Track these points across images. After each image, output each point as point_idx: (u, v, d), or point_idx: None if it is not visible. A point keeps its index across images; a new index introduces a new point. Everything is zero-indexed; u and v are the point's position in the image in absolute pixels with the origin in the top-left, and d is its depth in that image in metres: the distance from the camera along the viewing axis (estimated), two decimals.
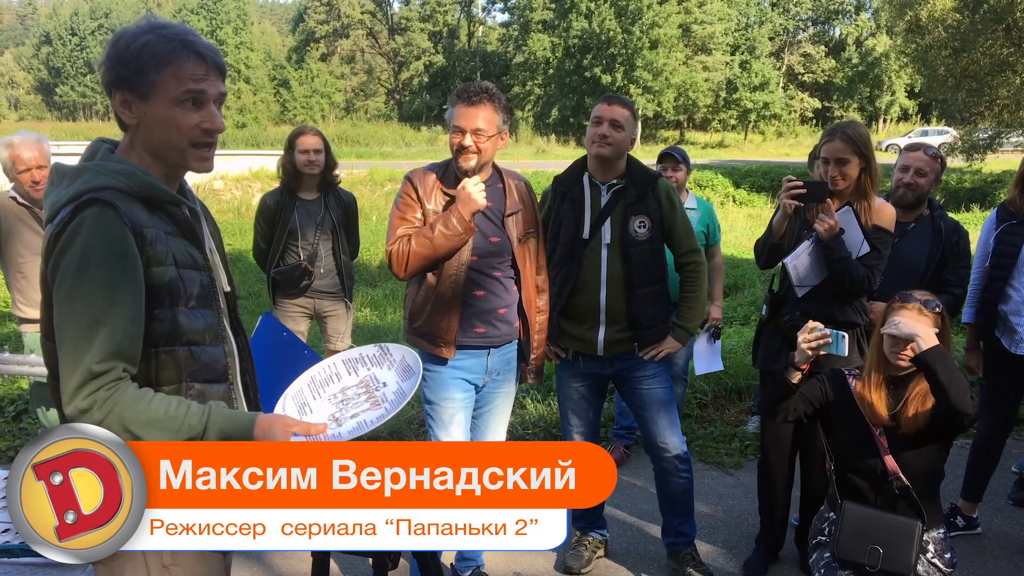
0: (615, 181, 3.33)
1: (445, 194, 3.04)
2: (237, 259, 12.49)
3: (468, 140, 2.92)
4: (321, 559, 1.88)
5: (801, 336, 2.82)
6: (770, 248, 3.40)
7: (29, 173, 3.74)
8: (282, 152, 4.64)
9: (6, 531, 3.19)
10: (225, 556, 1.88)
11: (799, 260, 3.31)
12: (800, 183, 3.22)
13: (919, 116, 49.98)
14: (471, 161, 2.96)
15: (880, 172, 3.30)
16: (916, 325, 2.70)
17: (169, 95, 1.65)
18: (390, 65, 62.14)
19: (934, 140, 33.04)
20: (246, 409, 1.89)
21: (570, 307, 3.38)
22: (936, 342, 2.66)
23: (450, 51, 58.66)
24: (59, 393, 1.67)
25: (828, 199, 3.22)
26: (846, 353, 2.78)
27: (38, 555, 3.01)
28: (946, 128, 35.00)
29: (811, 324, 2.85)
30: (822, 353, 2.83)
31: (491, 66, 56.91)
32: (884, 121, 51.11)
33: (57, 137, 40.08)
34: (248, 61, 59.56)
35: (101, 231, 1.58)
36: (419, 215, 3.03)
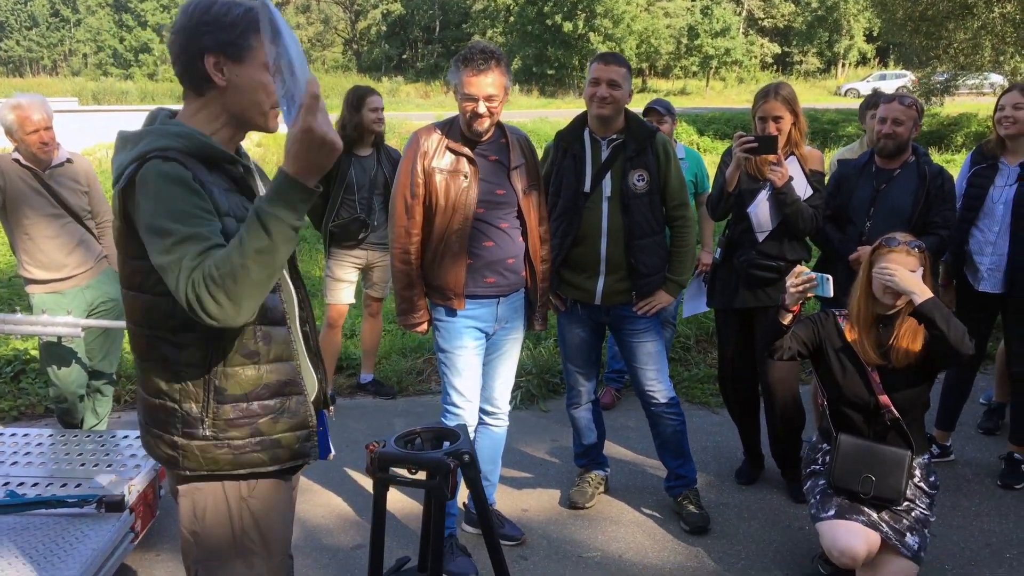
0: (615, 136, 3.45)
1: (450, 151, 3.14)
2: None
3: (482, 107, 3.03)
4: (381, 493, 2.03)
5: (789, 280, 3.00)
6: (725, 199, 3.74)
7: (38, 134, 3.75)
8: (341, 111, 4.83)
9: (36, 484, 3.31)
10: (293, 488, 2.02)
11: (759, 208, 3.69)
12: (751, 137, 3.57)
13: (877, 60, 50.39)
14: (485, 124, 3.08)
15: (807, 124, 3.80)
16: (909, 278, 2.88)
17: (260, 59, 1.76)
18: (347, 14, 60.83)
19: (892, 84, 33.44)
20: (307, 355, 2.01)
21: (571, 257, 3.53)
22: (930, 294, 2.86)
23: None
24: (141, 340, 1.80)
25: (776, 151, 3.56)
26: (831, 294, 2.97)
27: (73, 506, 3.14)
28: (904, 72, 35.41)
29: (798, 268, 3.04)
30: (809, 295, 3.02)
31: (450, 14, 55.98)
32: (843, 66, 51.46)
33: (7, 93, 38.85)
34: None
35: (171, 174, 1.67)
36: (420, 170, 3.14)
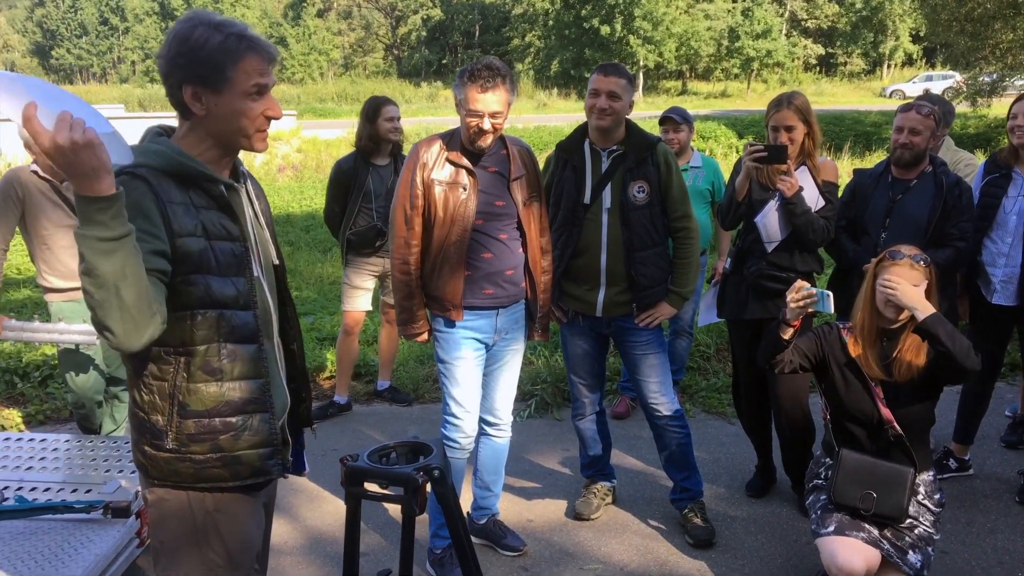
0: (615, 147, 3.44)
1: (450, 162, 3.16)
2: None
3: (487, 124, 3.04)
4: (353, 508, 2.04)
5: (789, 295, 2.96)
6: (734, 209, 3.71)
7: None
8: (358, 121, 4.93)
9: (48, 490, 3.39)
10: (265, 505, 2.05)
11: (767, 219, 3.66)
12: (761, 147, 3.56)
13: (924, 61, 49.39)
14: (488, 140, 3.10)
15: (821, 135, 3.72)
16: (911, 293, 2.83)
17: (240, 89, 1.80)
18: (387, 20, 61.40)
19: (939, 85, 32.77)
20: (283, 374, 2.04)
21: (572, 269, 3.52)
22: (932, 309, 2.80)
23: (448, 4, 57.83)
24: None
25: (786, 161, 3.54)
26: (831, 310, 2.94)
27: (80, 511, 3.21)
28: (951, 73, 34.65)
29: (798, 283, 3.00)
30: (810, 311, 2.98)
31: (490, 18, 56.23)
32: (888, 67, 50.55)
33: None
34: (244, 19, 58.85)
35: (127, 192, 1.67)
36: (419, 181, 3.16)
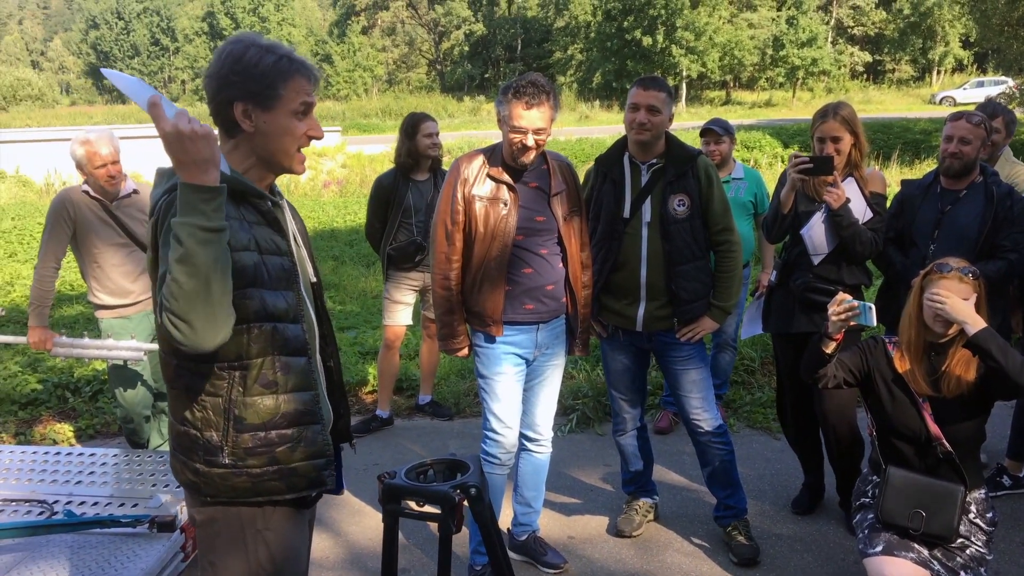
0: (655, 161, 3.41)
1: (491, 178, 3.17)
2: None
3: (531, 140, 3.05)
4: (390, 525, 2.05)
5: (830, 308, 2.90)
6: (780, 221, 3.65)
7: (105, 168, 3.96)
8: (397, 137, 5.00)
9: (96, 504, 3.46)
10: (309, 521, 2.07)
11: (813, 231, 3.60)
12: (806, 158, 3.49)
13: (975, 66, 48.39)
14: (532, 156, 3.11)
15: (868, 145, 3.65)
16: (961, 307, 2.75)
17: (289, 107, 1.86)
18: (431, 35, 61.99)
19: (991, 91, 32.01)
20: (326, 391, 2.06)
21: (611, 283, 3.50)
22: (983, 324, 2.72)
23: (490, 19, 58.26)
24: (169, 369, 1.88)
25: (832, 172, 3.48)
26: (874, 323, 2.87)
27: (127, 525, 3.27)
28: (1003, 78, 33.89)
29: (840, 296, 2.92)
30: (852, 324, 2.91)
31: (532, 32, 56.45)
32: (938, 73, 49.59)
33: (109, 121, 40.94)
34: (291, 37, 59.95)
35: None
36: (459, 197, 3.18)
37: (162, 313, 1.65)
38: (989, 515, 2.94)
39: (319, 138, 1.94)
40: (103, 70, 1.82)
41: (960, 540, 2.85)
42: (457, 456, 2.11)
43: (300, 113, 1.88)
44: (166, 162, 1.76)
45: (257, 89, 1.83)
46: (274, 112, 1.86)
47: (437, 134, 4.93)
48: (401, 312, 5.05)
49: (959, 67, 49.57)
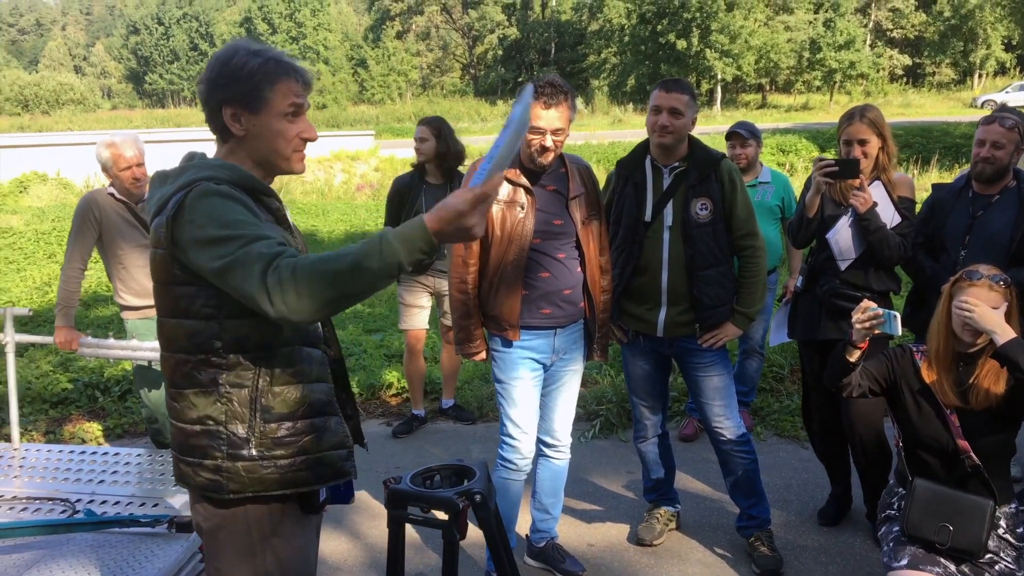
0: (677, 164, 3.37)
1: (508, 181, 3.14)
2: (318, 240, 12.91)
3: (549, 141, 3.04)
4: (396, 531, 2.03)
5: (855, 316, 2.83)
6: (805, 226, 3.59)
7: (130, 171, 4.01)
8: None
9: (117, 503, 3.49)
10: (316, 528, 2.06)
11: (840, 235, 3.54)
12: (832, 161, 3.43)
13: (1017, 70, 47.40)
14: (550, 158, 3.09)
15: (896, 148, 3.58)
16: (990, 316, 2.67)
17: (277, 109, 1.87)
18: (464, 40, 62.24)
19: None
20: (339, 409, 2.04)
21: (632, 288, 3.45)
22: (1013, 334, 2.64)
23: (524, 23, 58.34)
24: (184, 367, 1.87)
25: (858, 175, 3.42)
26: (899, 332, 2.79)
27: (146, 525, 3.29)
28: None
29: (864, 304, 2.84)
30: (876, 332, 2.84)
31: (566, 36, 56.44)
32: (980, 76, 48.66)
33: (149, 125, 41.63)
34: (326, 42, 60.57)
35: (224, 192, 1.76)
36: None
37: (282, 273, 1.62)
38: (1020, 530, 2.84)
39: (312, 140, 1.94)
40: (528, 85, 1.78)
41: (989, 555, 2.76)
42: (464, 462, 2.08)
43: (290, 115, 1.88)
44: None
45: (243, 92, 1.84)
46: (262, 115, 1.86)
47: (424, 139, 4.87)
48: (417, 316, 5.05)
49: (1001, 70, 48.55)
